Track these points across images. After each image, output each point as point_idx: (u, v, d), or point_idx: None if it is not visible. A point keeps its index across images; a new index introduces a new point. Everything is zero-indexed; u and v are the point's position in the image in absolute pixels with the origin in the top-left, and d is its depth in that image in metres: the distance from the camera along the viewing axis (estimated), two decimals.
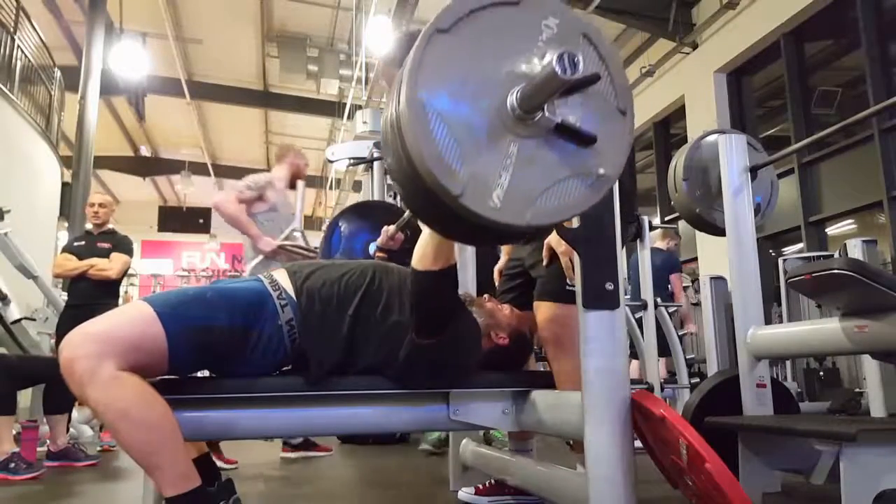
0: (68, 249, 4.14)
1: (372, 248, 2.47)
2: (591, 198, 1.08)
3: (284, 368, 1.52)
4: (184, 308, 1.34)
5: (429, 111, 1.00)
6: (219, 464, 2.08)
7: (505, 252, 2.12)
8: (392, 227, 2.25)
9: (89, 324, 1.25)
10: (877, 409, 3.18)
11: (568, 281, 1.69)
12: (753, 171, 2.29)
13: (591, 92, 1.09)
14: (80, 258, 3.98)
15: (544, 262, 1.76)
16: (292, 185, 3.84)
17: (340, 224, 2.73)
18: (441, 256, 1.43)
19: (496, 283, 2.09)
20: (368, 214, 2.80)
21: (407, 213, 2.30)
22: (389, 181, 5.15)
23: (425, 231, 1.45)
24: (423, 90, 1.00)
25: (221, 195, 3.51)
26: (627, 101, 1.13)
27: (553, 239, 1.71)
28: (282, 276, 1.52)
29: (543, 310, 1.78)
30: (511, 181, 1.02)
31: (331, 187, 13.29)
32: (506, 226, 1.03)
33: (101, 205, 4.17)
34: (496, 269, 2.09)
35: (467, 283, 2.27)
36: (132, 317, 1.29)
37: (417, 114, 0.99)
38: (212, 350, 1.38)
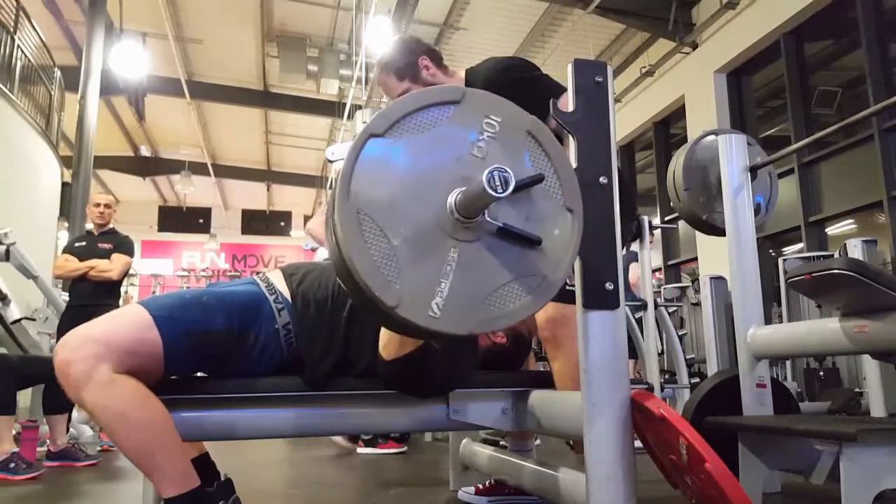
0: (69, 250, 4.14)
1: None
2: (535, 304, 1.06)
3: (284, 371, 1.52)
4: (180, 312, 1.34)
5: (363, 221, 0.97)
6: None
7: None
8: None
9: (84, 327, 1.25)
10: (877, 409, 3.18)
11: (567, 280, 1.69)
12: (753, 171, 2.28)
13: (537, 191, 1.07)
14: (81, 259, 3.98)
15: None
16: None
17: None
18: (406, 343, 1.34)
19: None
20: None
21: None
22: None
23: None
24: (357, 199, 0.97)
25: (314, 221, 3.57)
26: (574, 198, 1.10)
27: None
28: (277, 279, 1.51)
29: (543, 309, 1.78)
30: (451, 289, 1.00)
31: (330, 187, 13.27)
32: (446, 335, 1.01)
33: (106, 205, 4.17)
34: None
35: None
36: (128, 321, 1.29)
37: (351, 224, 0.96)
38: (208, 354, 1.38)
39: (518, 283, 1.04)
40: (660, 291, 5.60)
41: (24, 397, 4.09)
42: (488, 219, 1.03)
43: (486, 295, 1.02)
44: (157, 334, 1.27)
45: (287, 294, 1.47)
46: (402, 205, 1.00)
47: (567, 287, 1.69)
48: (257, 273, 1.65)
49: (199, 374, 1.50)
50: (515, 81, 1.78)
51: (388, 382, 1.45)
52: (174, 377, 1.40)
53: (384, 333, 1.39)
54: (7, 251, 4.17)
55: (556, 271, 1.08)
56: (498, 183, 0.95)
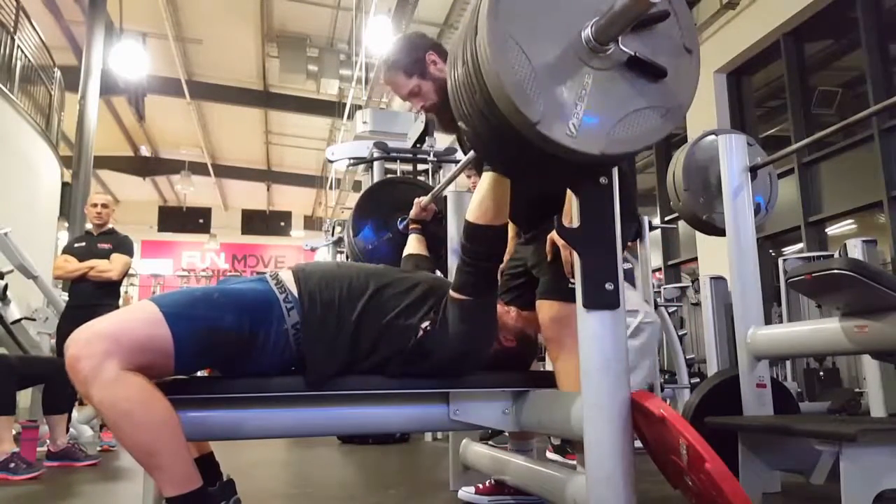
0: (68, 250, 4.13)
1: (400, 226, 2.53)
2: (663, 128, 1.12)
3: (292, 369, 1.52)
4: (191, 309, 1.34)
5: (508, 42, 1.03)
6: None
7: (507, 252, 2.11)
8: (424, 198, 2.27)
9: (96, 322, 1.25)
10: (877, 409, 3.18)
11: (570, 278, 1.69)
12: (753, 171, 2.28)
13: (659, 30, 1.13)
14: (81, 259, 3.98)
15: (548, 258, 1.76)
16: None
17: (361, 219, 2.72)
18: (500, 212, 1.48)
19: (498, 284, 2.09)
20: (397, 191, 2.81)
21: (441, 185, 2.34)
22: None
23: (483, 184, 1.50)
24: (503, 22, 1.03)
25: None
26: (692, 39, 1.17)
27: (556, 234, 1.71)
28: (287, 278, 1.52)
29: (546, 309, 1.78)
30: (586, 111, 1.06)
31: (331, 187, 13.29)
32: (581, 154, 1.05)
33: (103, 205, 4.16)
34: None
35: None
36: (139, 317, 1.29)
37: (498, 44, 1.02)
38: (218, 351, 1.38)
39: (647, 111, 1.11)
40: (660, 291, 5.61)
41: (24, 397, 4.10)
42: (621, 47, 1.08)
43: (617, 120, 1.09)
44: (168, 331, 1.27)
45: (297, 293, 1.48)
46: (544, 31, 1.07)
47: (570, 286, 1.69)
48: (262, 273, 1.65)
49: (207, 372, 1.50)
50: None
51: (467, 250, 1.51)
52: (181, 377, 1.40)
53: (483, 198, 1.49)
54: (4, 289, 4.18)
55: (678, 105, 1.14)
56: None
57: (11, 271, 4.27)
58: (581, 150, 1.05)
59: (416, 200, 2.28)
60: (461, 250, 1.55)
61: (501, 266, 2.10)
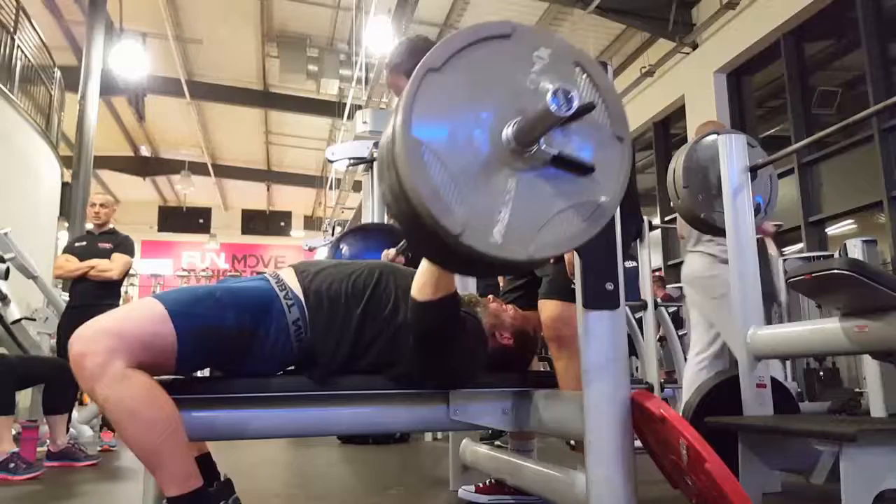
0: (69, 250, 4.14)
1: None
2: (591, 228, 1.08)
3: (290, 367, 1.52)
4: (194, 307, 1.34)
5: (424, 151, 1.00)
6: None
7: None
8: (392, 251, 2.27)
9: (101, 319, 1.25)
10: (877, 409, 3.18)
11: (572, 279, 1.69)
12: (753, 170, 2.28)
13: (586, 121, 1.09)
14: (81, 259, 3.98)
15: (551, 259, 1.76)
16: None
17: (342, 247, 2.77)
18: (441, 286, 1.40)
19: (500, 284, 2.09)
20: (369, 238, 2.85)
21: (404, 241, 2.35)
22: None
23: (424, 262, 1.43)
24: (417, 130, 1.00)
25: None
26: (623, 127, 1.13)
27: None
28: (289, 276, 1.52)
29: (548, 308, 1.78)
30: (511, 216, 1.03)
31: (331, 187, 13.29)
32: (507, 261, 1.03)
33: (102, 205, 4.16)
34: None
35: (469, 283, 2.27)
36: (144, 314, 1.29)
37: (413, 154, 0.99)
38: (220, 349, 1.38)
39: (574, 210, 1.08)
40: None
41: (24, 397, 4.10)
42: (543, 148, 1.06)
43: (544, 222, 1.06)
44: (172, 328, 1.28)
45: (298, 291, 1.48)
46: (461, 136, 1.04)
47: (573, 286, 1.69)
48: (261, 273, 1.66)
49: (207, 370, 1.50)
50: None
51: (417, 327, 1.44)
52: (182, 377, 1.40)
53: (421, 274, 1.42)
54: (7, 270, 4.17)
55: (609, 198, 1.10)
56: (562, 101, 0.97)
57: (14, 257, 4.25)
58: (507, 257, 1.02)
59: (384, 253, 2.30)
60: (411, 324, 1.47)
61: None
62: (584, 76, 1.12)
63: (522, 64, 1.08)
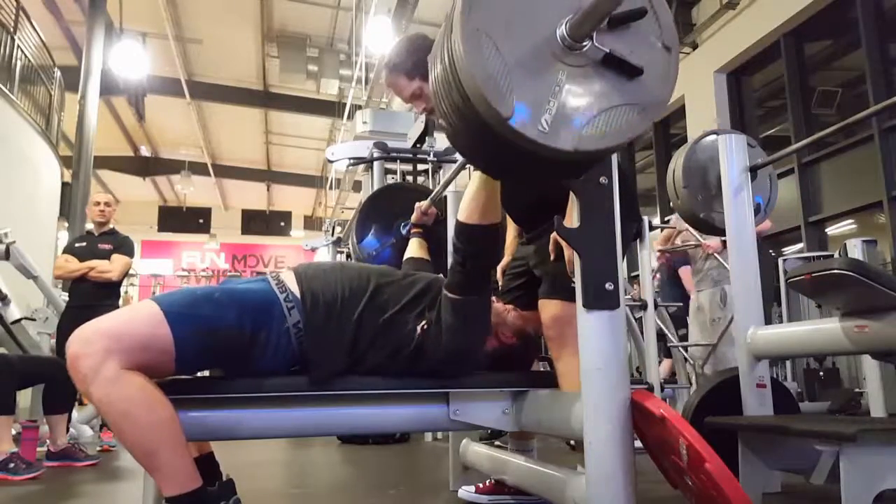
0: (69, 250, 4.14)
1: (402, 231, 2.55)
2: (637, 126, 1.10)
3: (293, 368, 1.52)
4: (192, 309, 1.34)
5: (482, 38, 1.03)
6: None
7: (508, 252, 2.12)
8: (424, 203, 2.28)
9: (97, 321, 1.25)
10: (877, 409, 3.18)
11: (572, 278, 1.69)
12: (753, 171, 2.28)
13: (637, 27, 1.12)
14: (81, 259, 3.98)
15: (552, 257, 1.76)
16: None
17: (364, 224, 2.74)
18: (488, 212, 1.50)
19: (499, 283, 2.09)
20: (397, 197, 2.83)
21: (439, 187, 2.35)
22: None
23: (472, 184, 1.52)
24: (476, 19, 1.04)
25: None
26: (672, 37, 1.15)
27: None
28: (289, 278, 1.52)
29: (549, 308, 1.78)
30: (559, 107, 1.05)
31: (331, 187, 13.29)
32: (553, 150, 1.05)
33: (106, 203, 4.17)
34: (499, 268, 2.09)
35: None
36: (141, 316, 1.29)
37: (471, 40, 1.02)
38: (219, 351, 1.38)
39: (621, 109, 1.09)
40: (660, 291, 5.60)
41: (24, 397, 4.10)
42: (596, 44, 1.08)
43: (591, 117, 1.07)
44: (169, 331, 1.28)
45: (298, 293, 1.48)
46: (517, 26, 1.06)
47: (573, 285, 1.69)
48: (261, 273, 1.66)
49: (207, 372, 1.50)
50: None
51: (460, 250, 1.53)
52: (182, 377, 1.40)
53: (469, 199, 1.52)
54: (7, 250, 4.17)
55: (655, 102, 1.12)
56: None
57: (13, 242, 4.25)
58: (553, 145, 1.04)
59: (417, 205, 2.29)
60: (453, 249, 1.58)
61: (503, 265, 2.10)
62: None
63: None
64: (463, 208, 1.54)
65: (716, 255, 3.99)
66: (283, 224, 17.27)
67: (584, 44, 1.07)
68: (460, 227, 1.54)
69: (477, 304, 1.57)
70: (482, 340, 1.64)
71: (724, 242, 3.71)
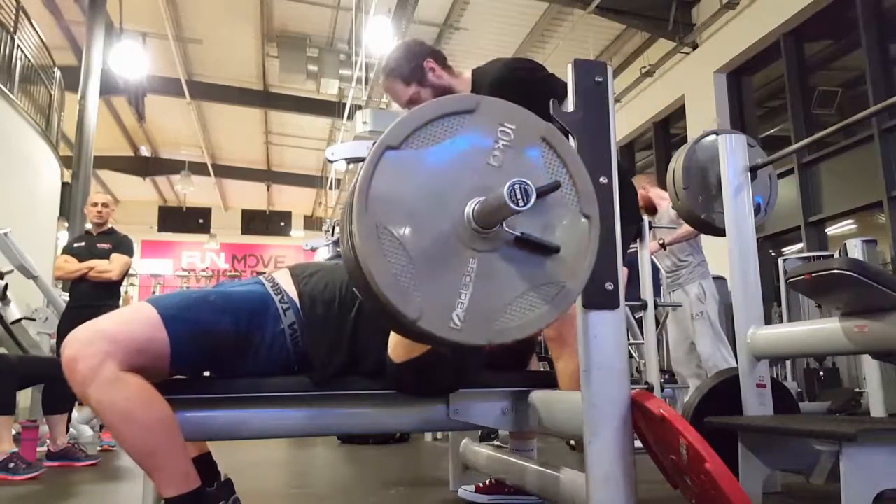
0: (68, 251, 4.14)
1: None
2: (553, 313, 1.06)
3: (292, 369, 1.51)
4: (188, 312, 1.34)
5: (381, 234, 0.97)
6: None
7: None
8: None
9: (93, 323, 1.25)
10: (877, 409, 3.18)
11: None
12: (753, 171, 2.28)
13: (552, 198, 1.07)
14: (81, 259, 3.98)
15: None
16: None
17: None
18: (416, 346, 1.35)
19: None
20: None
21: None
22: None
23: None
24: (374, 212, 0.97)
25: None
26: (591, 205, 1.10)
27: None
28: (284, 279, 1.52)
29: None
30: (471, 299, 1.00)
31: (331, 187, 13.30)
32: (468, 346, 1.01)
33: (103, 204, 4.17)
34: None
35: None
36: (137, 319, 1.29)
37: (370, 238, 0.96)
38: (215, 354, 1.38)
39: (537, 292, 1.04)
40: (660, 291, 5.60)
41: (24, 397, 4.10)
42: (506, 228, 1.03)
43: (506, 305, 1.02)
44: (165, 333, 1.28)
45: (293, 294, 1.48)
46: (420, 217, 1.00)
47: None
48: (260, 273, 1.65)
49: (204, 374, 1.50)
50: (524, 83, 1.78)
51: (396, 384, 1.46)
52: (180, 377, 1.40)
53: (394, 337, 1.39)
54: (5, 287, 4.17)
55: (574, 279, 1.08)
56: (519, 196, 0.94)
57: (11, 271, 4.27)
58: (466, 342, 1.00)
59: None
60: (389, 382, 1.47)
61: None
62: (551, 151, 1.09)
63: (487, 138, 1.05)
64: (390, 344, 1.40)
65: (677, 252, 4.09)
66: (283, 224, 17.27)
67: (494, 228, 1.02)
68: (388, 364, 1.42)
69: (444, 384, 1.52)
70: (472, 372, 1.59)
71: (663, 244, 3.99)
